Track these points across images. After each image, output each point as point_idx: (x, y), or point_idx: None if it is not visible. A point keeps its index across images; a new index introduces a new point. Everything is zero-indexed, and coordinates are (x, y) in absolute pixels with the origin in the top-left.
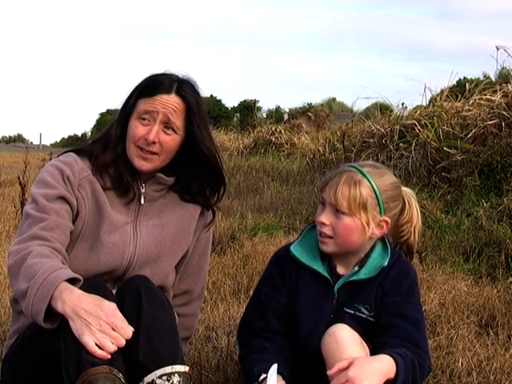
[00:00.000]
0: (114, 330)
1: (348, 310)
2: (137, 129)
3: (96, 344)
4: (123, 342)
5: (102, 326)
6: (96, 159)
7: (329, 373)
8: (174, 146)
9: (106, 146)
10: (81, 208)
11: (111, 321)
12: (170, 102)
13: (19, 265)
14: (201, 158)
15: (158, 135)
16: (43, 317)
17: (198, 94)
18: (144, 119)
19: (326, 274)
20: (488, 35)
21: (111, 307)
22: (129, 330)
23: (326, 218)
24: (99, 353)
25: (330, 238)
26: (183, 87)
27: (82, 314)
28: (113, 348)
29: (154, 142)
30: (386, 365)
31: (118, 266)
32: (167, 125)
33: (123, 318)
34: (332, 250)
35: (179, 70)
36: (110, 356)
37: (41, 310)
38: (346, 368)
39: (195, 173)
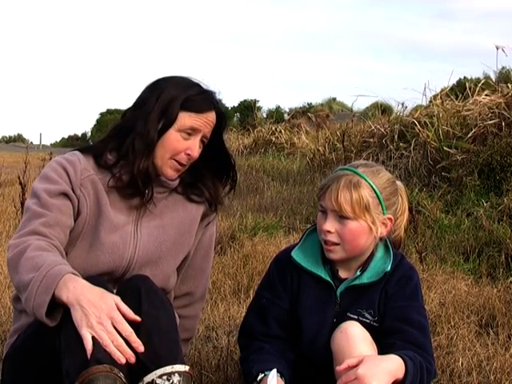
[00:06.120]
0: (113, 324)
1: (351, 316)
2: (179, 143)
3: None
4: (118, 338)
5: (100, 319)
6: (105, 160)
7: (338, 369)
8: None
9: (125, 151)
10: (82, 207)
11: (111, 315)
12: (211, 119)
13: (18, 257)
14: (221, 160)
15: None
16: (45, 309)
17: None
18: (188, 134)
19: (328, 279)
20: (486, 35)
21: (114, 301)
22: (127, 327)
23: (330, 225)
24: (89, 348)
25: (337, 245)
26: (217, 101)
27: (83, 304)
28: (109, 342)
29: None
30: (395, 365)
31: (117, 266)
32: (204, 140)
33: (128, 309)
34: (340, 256)
35: (203, 77)
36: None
37: (44, 301)
38: (356, 365)
39: (212, 171)
